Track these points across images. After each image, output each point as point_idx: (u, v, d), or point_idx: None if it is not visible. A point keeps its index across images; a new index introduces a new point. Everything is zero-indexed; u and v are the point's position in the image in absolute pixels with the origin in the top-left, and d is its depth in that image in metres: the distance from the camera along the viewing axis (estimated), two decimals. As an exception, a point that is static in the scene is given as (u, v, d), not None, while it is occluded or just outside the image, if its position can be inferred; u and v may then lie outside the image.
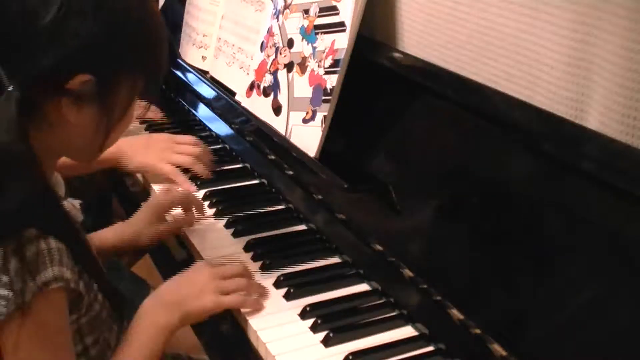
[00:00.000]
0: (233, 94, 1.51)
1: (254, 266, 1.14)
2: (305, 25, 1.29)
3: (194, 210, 1.28)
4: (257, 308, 1.03)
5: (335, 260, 1.17)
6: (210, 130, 1.64)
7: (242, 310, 1.03)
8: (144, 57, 0.91)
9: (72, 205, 0.97)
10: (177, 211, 1.28)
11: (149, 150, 1.40)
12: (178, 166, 1.40)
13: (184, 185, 1.37)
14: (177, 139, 1.46)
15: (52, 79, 0.83)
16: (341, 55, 1.19)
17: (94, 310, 0.94)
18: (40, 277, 0.82)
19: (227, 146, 1.57)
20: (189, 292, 1.00)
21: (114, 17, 0.86)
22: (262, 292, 1.06)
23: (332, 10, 1.23)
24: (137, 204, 1.31)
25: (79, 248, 0.90)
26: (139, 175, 1.47)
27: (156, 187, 1.39)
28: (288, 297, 1.06)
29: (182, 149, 1.42)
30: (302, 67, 1.28)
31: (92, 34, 0.83)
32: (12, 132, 0.80)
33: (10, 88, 0.80)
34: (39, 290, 0.82)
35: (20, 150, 0.82)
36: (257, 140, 1.45)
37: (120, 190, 1.56)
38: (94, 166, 1.36)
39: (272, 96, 1.35)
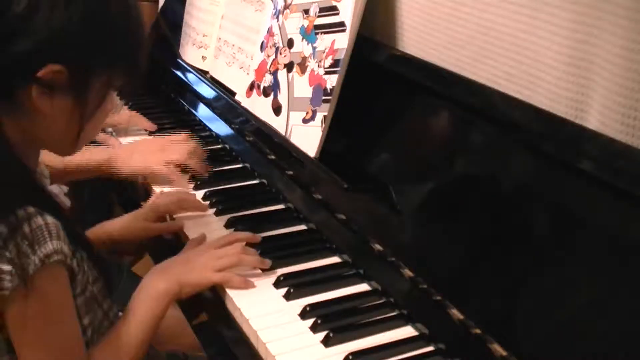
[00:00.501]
0: (233, 94, 1.51)
1: (264, 260, 1.14)
2: (305, 25, 1.29)
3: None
4: (243, 287, 1.07)
5: (335, 260, 1.16)
6: (210, 130, 1.64)
7: (243, 309, 1.03)
8: (121, 50, 0.91)
9: (60, 190, 0.99)
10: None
11: (141, 154, 1.40)
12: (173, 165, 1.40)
13: (181, 183, 1.38)
14: (168, 139, 1.45)
15: (23, 67, 0.84)
16: (341, 55, 1.19)
17: (88, 291, 0.96)
18: (41, 251, 0.84)
19: (227, 146, 1.57)
20: (185, 267, 1.06)
21: (89, 8, 0.85)
22: (261, 263, 1.11)
23: (332, 10, 1.23)
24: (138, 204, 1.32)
25: (69, 225, 0.90)
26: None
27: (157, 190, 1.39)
28: (288, 297, 1.06)
29: (174, 147, 1.42)
30: (302, 67, 1.28)
31: (65, 24, 0.84)
32: None
33: None
34: (41, 263, 0.84)
35: None
36: (257, 140, 1.45)
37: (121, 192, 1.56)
38: (85, 174, 1.36)
39: (272, 96, 1.35)
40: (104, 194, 1.79)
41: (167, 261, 1.08)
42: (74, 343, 0.92)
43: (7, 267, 0.83)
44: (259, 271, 1.12)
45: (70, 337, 0.91)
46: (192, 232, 1.24)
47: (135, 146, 1.44)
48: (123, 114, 1.62)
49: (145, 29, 0.97)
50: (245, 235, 1.16)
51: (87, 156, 1.33)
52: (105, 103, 0.92)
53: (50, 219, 0.86)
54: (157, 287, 1.02)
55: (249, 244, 1.14)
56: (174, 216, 1.28)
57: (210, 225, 1.27)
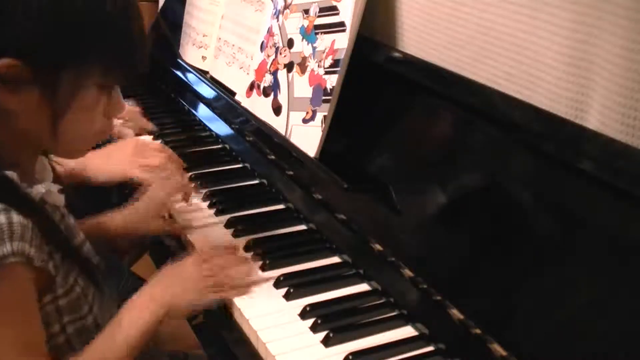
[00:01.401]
0: (233, 94, 1.51)
1: (254, 266, 1.14)
2: (305, 25, 1.29)
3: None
4: (241, 295, 1.04)
5: (335, 260, 1.16)
6: (210, 130, 1.64)
7: (243, 309, 1.03)
8: (91, 47, 0.87)
9: (49, 189, 0.96)
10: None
11: (116, 159, 1.37)
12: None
13: (162, 184, 1.34)
14: (143, 143, 1.42)
15: None
16: (341, 55, 1.19)
17: (74, 293, 0.94)
18: None
19: (227, 146, 1.57)
20: (176, 290, 1.00)
21: (47, 3, 0.83)
22: (250, 271, 1.08)
23: (332, 10, 1.23)
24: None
25: (47, 227, 0.89)
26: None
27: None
28: (288, 297, 1.06)
29: (151, 152, 1.39)
30: (302, 67, 1.28)
31: (21, 17, 0.82)
32: None
33: None
34: None
35: None
36: (257, 140, 1.45)
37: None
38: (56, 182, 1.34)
39: (272, 96, 1.35)
40: (103, 191, 1.77)
41: (152, 286, 1.02)
42: (28, 347, 0.87)
43: None
44: (259, 271, 1.12)
45: (24, 340, 0.86)
46: (192, 232, 1.24)
47: (109, 151, 1.38)
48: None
49: (139, 26, 0.93)
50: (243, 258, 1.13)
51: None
52: (86, 97, 0.89)
53: (16, 218, 0.83)
54: (143, 317, 0.96)
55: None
56: (173, 210, 1.28)
57: (210, 226, 1.27)
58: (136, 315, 0.97)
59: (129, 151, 1.38)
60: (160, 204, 1.25)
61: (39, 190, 0.92)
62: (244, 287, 1.06)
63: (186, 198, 1.31)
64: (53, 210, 0.95)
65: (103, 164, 1.35)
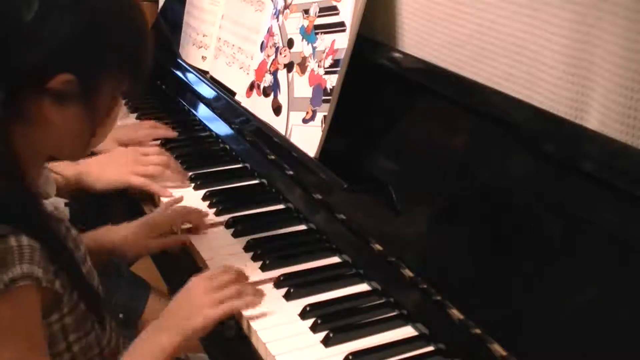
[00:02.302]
0: (233, 94, 1.51)
1: (254, 266, 1.14)
2: (305, 25, 1.29)
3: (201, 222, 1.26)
4: (251, 307, 1.02)
5: (335, 260, 1.16)
6: (210, 130, 1.64)
7: (243, 310, 1.03)
8: (127, 55, 0.90)
9: (56, 205, 0.95)
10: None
11: (114, 166, 1.36)
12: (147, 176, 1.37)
13: (160, 192, 1.34)
14: (142, 150, 1.42)
15: (34, 78, 0.82)
16: (341, 55, 1.19)
17: (79, 310, 0.93)
18: (7, 274, 0.81)
19: (227, 146, 1.57)
20: (186, 312, 0.99)
21: (93, 15, 0.85)
22: (258, 293, 1.05)
23: (332, 10, 1.23)
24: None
25: (55, 248, 0.88)
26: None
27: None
28: (288, 297, 1.06)
29: (149, 159, 1.39)
30: (302, 67, 1.28)
31: (72, 32, 0.83)
32: None
33: None
34: (4, 287, 0.81)
35: (1, 153, 0.82)
36: (257, 140, 1.45)
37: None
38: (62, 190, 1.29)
39: (272, 96, 1.35)
40: (103, 197, 1.77)
41: (166, 312, 1.00)
42: None
43: None
44: (259, 271, 1.12)
45: None
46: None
47: (106, 159, 1.38)
48: (140, 127, 1.59)
49: (148, 30, 0.96)
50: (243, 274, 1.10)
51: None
52: (116, 108, 0.92)
53: (25, 241, 0.82)
54: (160, 342, 0.95)
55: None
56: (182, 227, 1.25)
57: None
58: (151, 346, 0.95)
59: (127, 158, 1.38)
60: (156, 228, 1.22)
61: (46, 206, 0.91)
62: (254, 299, 1.03)
63: (197, 227, 1.25)
64: (58, 225, 0.94)
65: (101, 171, 1.34)
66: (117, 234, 1.20)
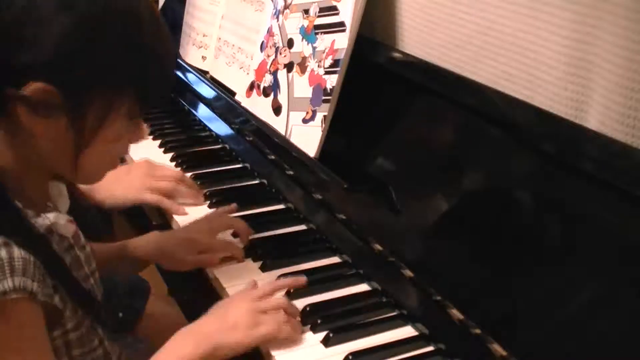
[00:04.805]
0: (233, 94, 1.51)
1: (254, 266, 1.14)
2: (305, 25, 1.29)
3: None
4: (290, 339, 0.97)
5: (335, 260, 1.17)
6: (210, 130, 1.65)
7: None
8: (128, 75, 0.83)
9: (59, 221, 0.91)
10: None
11: (126, 183, 1.32)
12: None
13: (173, 208, 1.31)
14: (155, 167, 1.38)
15: (7, 81, 0.77)
16: (341, 55, 1.19)
17: (84, 327, 0.89)
18: None
19: (227, 146, 1.57)
20: (221, 325, 0.95)
21: (81, 26, 0.78)
22: (297, 327, 0.99)
23: (332, 10, 1.23)
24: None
25: (50, 260, 0.83)
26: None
27: (179, 219, 1.30)
28: (288, 297, 1.06)
29: (161, 174, 1.36)
30: (302, 67, 1.28)
31: (57, 40, 0.77)
32: None
33: None
34: None
35: None
36: (257, 140, 1.45)
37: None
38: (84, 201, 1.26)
39: (272, 96, 1.35)
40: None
41: (202, 319, 0.96)
42: None
43: None
44: (259, 271, 1.12)
45: None
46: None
47: (119, 174, 1.32)
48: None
49: (170, 49, 0.87)
50: (288, 282, 1.07)
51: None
52: (113, 128, 0.84)
53: (17, 253, 0.78)
54: (184, 349, 0.91)
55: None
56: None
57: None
58: (170, 353, 0.92)
59: (139, 174, 1.34)
60: (198, 245, 1.17)
61: (45, 220, 0.86)
62: (294, 334, 0.97)
63: (243, 235, 1.20)
64: (61, 240, 0.89)
65: (112, 188, 1.30)
66: (153, 244, 1.15)
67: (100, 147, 0.85)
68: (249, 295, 1.01)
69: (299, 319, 1.00)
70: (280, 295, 1.04)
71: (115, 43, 0.81)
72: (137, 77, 0.83)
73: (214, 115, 1.64)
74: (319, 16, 1.26)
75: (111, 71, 0.81)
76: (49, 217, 0.87)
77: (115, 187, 1.31)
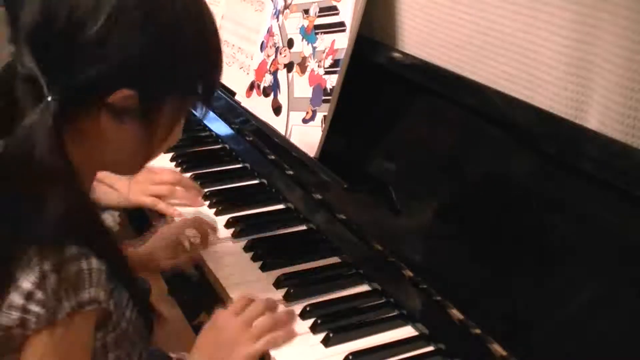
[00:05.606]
0: (233, 94, 1.51)
1: (254, 266, 1.14)
2: (305, 25, 1.29)
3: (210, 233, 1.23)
4: (290, 339, 0.98)
5: (335, 260, 1.17)
6: (210, 130, 1.64)
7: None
8: (196, 78, 0.87)
9: (110, 216, 0.93)
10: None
11: (123, 185, 1.31)
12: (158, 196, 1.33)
13: (168, 210, 1.31)
14: (153, 170, 1.37)
15: (93, 91, 0.80)
16: (341, 55, 1.19)
17: (120, 328, 0.90)
18: (75, 299, 0.79)
19: (227, 146, 1.57)
20: (225, 352, 0.94)
21: (163, 33, 0.81)
22: (291, 319, 1.00)
23: (332, 10, 1.23)
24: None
25: (118, 264, 0.86)
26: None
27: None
28: (288, 297, 1.06)
29: (159, 178, 1.36)
30: (302, 67, 1.28)
31: (139, 49, 0.80)
32: (48, 143, 0.77)
33: (49, 98, 0.78)
34: (71, 310, 0.79)
35: (56, 162, 0.78)
36: (257, 140, 1.45)
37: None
38: None
39: (272, 96, 1.35)
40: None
41: (205, 342, 0.97)
42: None
43: (36, 309, 0.78)
44: (259, 271, 1.12)
45: None
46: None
47: (114, 178, 1.30)
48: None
49: (221, 51, 0.90)
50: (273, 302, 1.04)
51: None
52: (177, 128, 0.88)
53: (95, 263, 0.80)
54: None
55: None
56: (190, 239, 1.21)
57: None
58: None
59: (137, 178, 1.31)
60: (176, 241, 1.19)
61: (106, 220, 0.90)
62: (291, 329, 0.99)
63: (204, 243, 1.20)
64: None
65: (109, 189, 1.30)
66: (137, 254, 1.16)
67: (166, 144, 0.89)
68: (229, 313, 0.99)
69: (283, 307, 1.01)
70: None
71: (190, 48, 0.84)
72: (206, 76, 0.88)
73: (214, 115, 1.64)
74: (319, 16, 1.26)
75: (185, 76, 0.85)
76: (109, 218, 0.89)
77: (111, 190, 1.31)
